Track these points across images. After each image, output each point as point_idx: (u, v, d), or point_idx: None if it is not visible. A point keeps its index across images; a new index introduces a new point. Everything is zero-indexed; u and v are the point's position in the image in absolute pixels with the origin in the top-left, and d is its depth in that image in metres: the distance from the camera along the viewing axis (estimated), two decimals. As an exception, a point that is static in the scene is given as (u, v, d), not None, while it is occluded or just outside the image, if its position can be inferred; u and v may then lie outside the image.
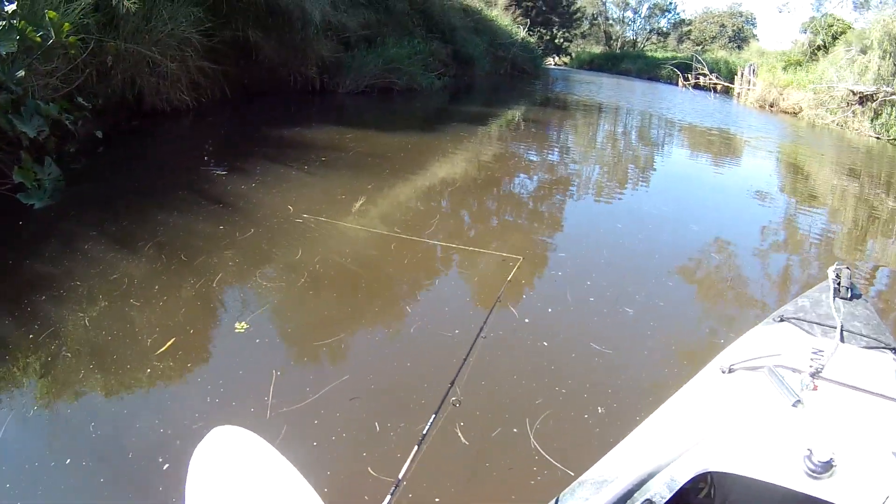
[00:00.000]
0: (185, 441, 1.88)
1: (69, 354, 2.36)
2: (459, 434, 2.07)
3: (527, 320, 2.94)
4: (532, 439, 2.10)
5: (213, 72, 8.35)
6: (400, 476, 1.46)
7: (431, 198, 4.89)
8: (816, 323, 1.94)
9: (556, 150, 8.44)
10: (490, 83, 19.12)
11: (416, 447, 1.55)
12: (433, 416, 1.68)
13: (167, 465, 1.84)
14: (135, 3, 6.15)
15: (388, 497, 1.37)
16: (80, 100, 5.25)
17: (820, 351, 1.60)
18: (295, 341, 2.62)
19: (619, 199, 5.76)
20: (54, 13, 4.37)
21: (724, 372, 1.63)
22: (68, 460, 1.85)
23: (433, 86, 13.09)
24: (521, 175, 6.48)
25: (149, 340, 2.50)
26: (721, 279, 3.98)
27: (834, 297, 2.06)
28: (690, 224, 5.12)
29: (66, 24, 4.46)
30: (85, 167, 4.95)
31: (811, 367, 1.51)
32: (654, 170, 7.73)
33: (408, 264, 3.50)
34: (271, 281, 3.11)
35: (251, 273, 3.18)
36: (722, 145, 10.62)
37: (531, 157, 7.44)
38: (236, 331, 2.61)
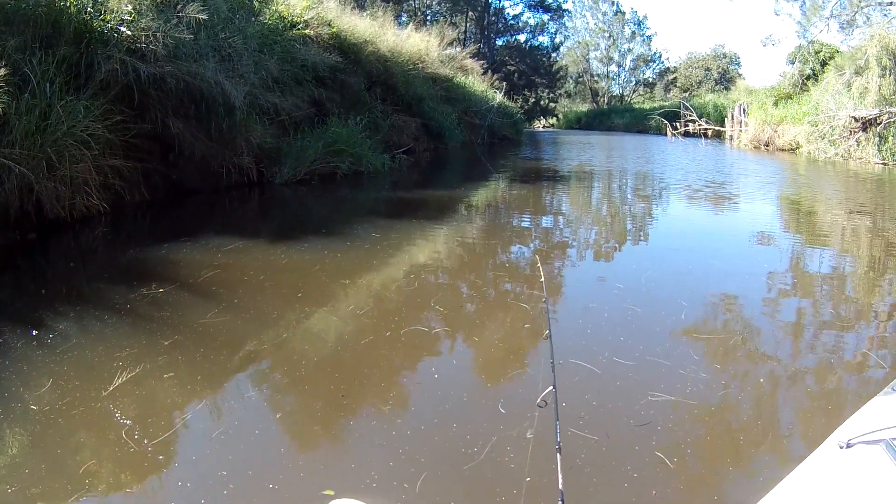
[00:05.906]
0: None
1: None
2: None
3: None
4: None
5: (131, 171, 7.31)
6: None
7: (234, 379, 2.90)
8: None
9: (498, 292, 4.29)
10: (464, 156, 17.63)
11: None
12: None
13: None
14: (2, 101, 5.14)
15: None
16: None
17: None
18: None
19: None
20: None
21: (841, 447, 1.52)
22: None
23: (385, 167, 11.54)
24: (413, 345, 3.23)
25: None
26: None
27: None
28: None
29: None
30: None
31: None
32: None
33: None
34: None
35: None
36: (719, 215, 8.37)
37: (447, 302, 3.99)
38: None
